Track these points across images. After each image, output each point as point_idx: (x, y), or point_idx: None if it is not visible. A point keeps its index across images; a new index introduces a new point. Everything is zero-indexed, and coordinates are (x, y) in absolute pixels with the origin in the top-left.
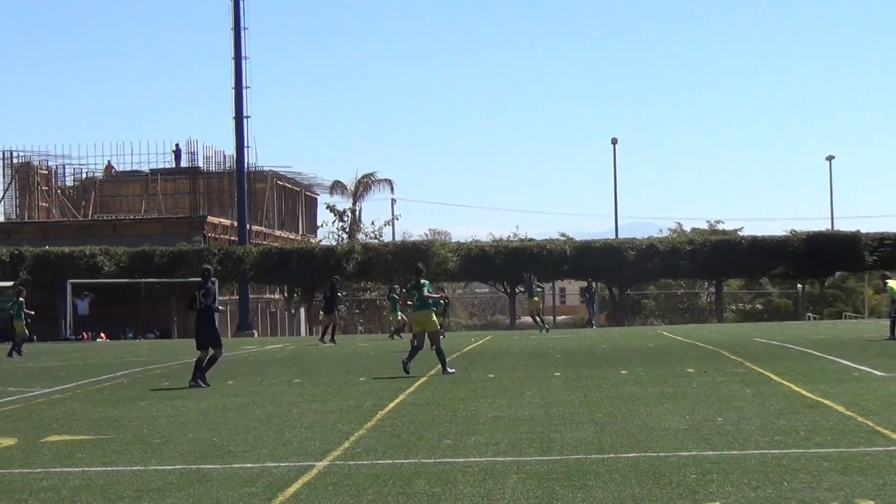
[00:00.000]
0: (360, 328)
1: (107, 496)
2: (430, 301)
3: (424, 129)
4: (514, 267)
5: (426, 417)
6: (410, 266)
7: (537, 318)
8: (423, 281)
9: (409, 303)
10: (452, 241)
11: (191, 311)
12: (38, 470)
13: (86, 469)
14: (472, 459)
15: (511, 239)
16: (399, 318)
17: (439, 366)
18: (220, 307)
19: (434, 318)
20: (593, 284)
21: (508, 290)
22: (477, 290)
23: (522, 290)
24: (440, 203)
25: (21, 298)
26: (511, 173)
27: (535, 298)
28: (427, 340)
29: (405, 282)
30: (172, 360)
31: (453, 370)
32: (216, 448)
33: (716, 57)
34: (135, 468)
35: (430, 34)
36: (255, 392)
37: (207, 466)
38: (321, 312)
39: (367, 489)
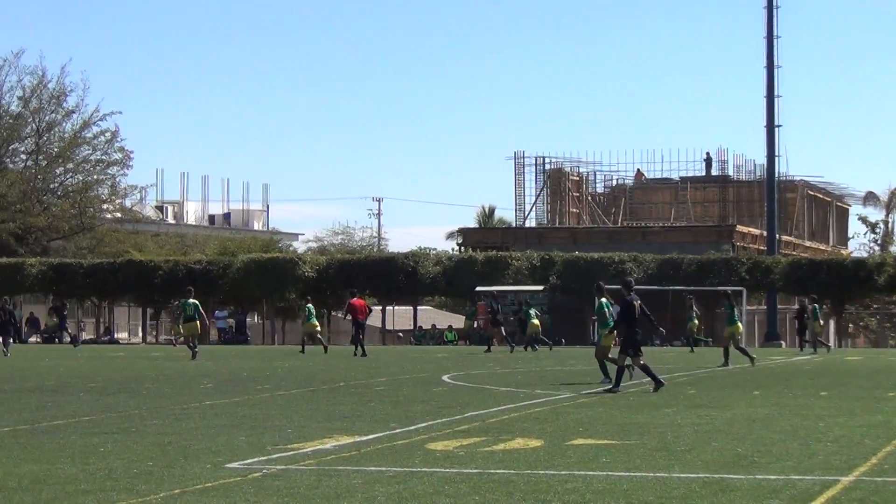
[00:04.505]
0: (890, 342)
1: (629, 501)
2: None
3: None
4: None
5: None
6: None
7: None
8: None
9: None
10: None
11: None
12: (562, 472)
13: (609, 473)
14: None
15: None
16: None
17: None
18: None
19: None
20: None
21: None
22: None
23: None
24: None
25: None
26: None
27: None
28: None
29: None
30: (698, 369)
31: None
32: (740, 458)
33: None
34: (658, 475)
35: None
36: (781, 403)
37: (731, 476)
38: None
39: None
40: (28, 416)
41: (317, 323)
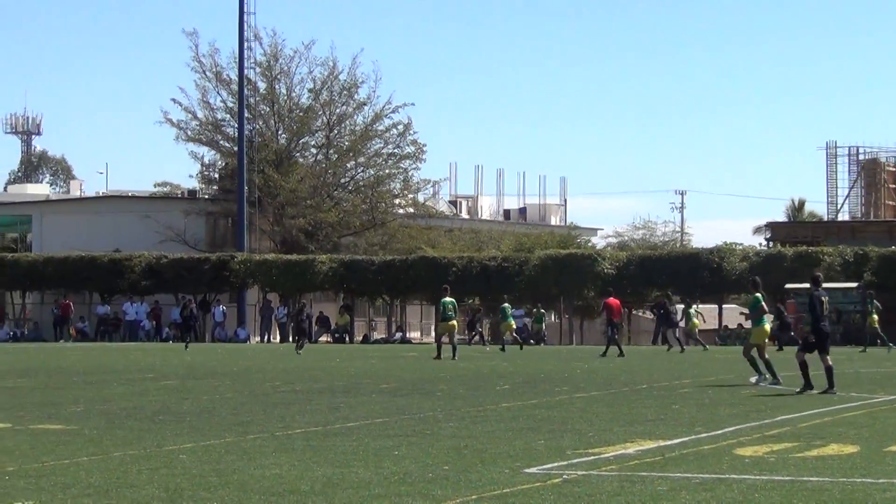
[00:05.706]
0: None
1: None
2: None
3: None
4: None
5: None
6: None
7: None
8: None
9: None
10: None
11: None
12: (880, 480)
13: None
14: None
15: None
16: None
17: None
18: None
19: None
20: None
21: None
22: None
23: None
24: None
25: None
26: None
27: None
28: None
29: None
30: None
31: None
32: None
33: None
34: None
35: None
36: None
37: None
38: None
39: None
40: (320, 418)
41: (513, 323)
